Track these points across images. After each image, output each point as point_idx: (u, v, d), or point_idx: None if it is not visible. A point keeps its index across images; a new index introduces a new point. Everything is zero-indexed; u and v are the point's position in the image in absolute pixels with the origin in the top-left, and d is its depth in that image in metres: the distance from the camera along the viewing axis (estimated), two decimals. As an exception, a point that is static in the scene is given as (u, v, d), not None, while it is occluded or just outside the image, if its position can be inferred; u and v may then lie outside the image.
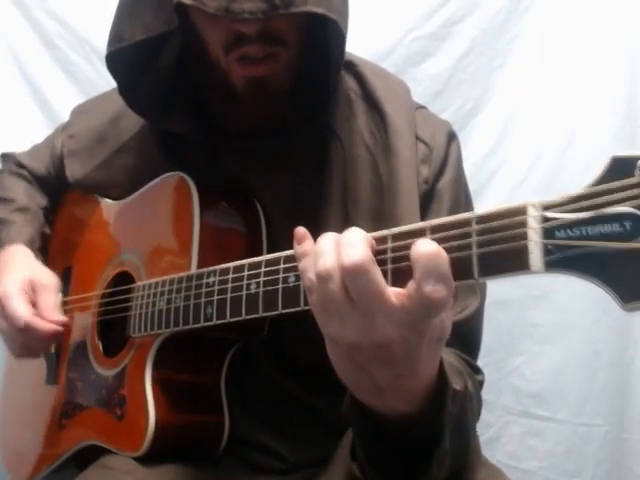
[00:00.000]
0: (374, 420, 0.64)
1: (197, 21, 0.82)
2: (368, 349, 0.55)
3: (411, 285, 0.53)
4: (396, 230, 0.58)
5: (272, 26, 0.79)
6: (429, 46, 1.52)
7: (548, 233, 0.50)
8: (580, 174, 1.49)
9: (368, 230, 0.86)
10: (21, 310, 0.92)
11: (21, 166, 1.15)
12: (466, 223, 0.54)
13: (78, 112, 1.13)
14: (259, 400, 0.92)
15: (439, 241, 0.55)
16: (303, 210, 0.90)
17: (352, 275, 0.53)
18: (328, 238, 0.56)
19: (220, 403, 0.89)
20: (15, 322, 0.91)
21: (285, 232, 0.89)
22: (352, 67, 0.94)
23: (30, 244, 1.05)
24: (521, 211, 0.51)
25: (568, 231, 0.49)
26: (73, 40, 1.53)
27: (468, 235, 0.54)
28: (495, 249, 0.52)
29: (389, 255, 0.58)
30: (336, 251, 0.55)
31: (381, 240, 0.58)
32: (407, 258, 0.54)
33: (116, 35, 0.86)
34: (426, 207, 0.88)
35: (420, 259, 0.52)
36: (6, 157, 1.19)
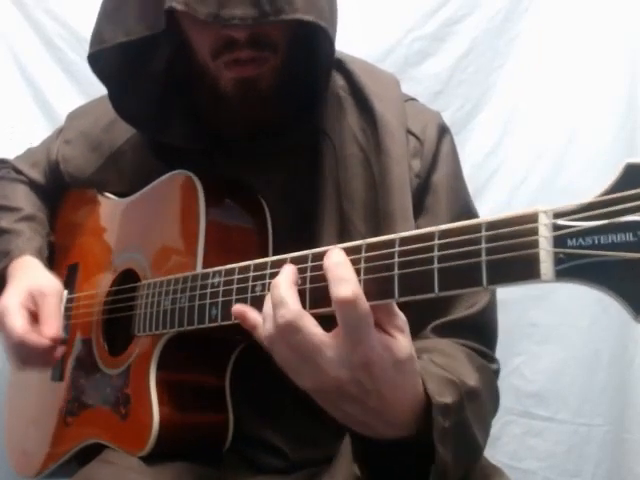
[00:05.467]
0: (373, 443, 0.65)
1: (185, 27, 0.83)
2: (329, 392, 0.61)
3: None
4: (404, 234, 0.58)
5: (262, 31, 0.79)
6: (429, 46, 1.52)
7: (559, 241, 0.48)
8: (580, 174, 1.49)
9: (364, 228, 0.86)
10: (17, 326, 0.91)
11: (19, 173, 1.15)
12: (475, 229, 0.53)
13: (73, 117, 1.13)
14: (261, 397, 0.91)
15: (447, 247, 0.54)
16: (298, 211, 0.91)
17: (288, 334, 0.59)
18: (268, 301, 0.62)
19: (225, 402, 0.89)
20: (11, 338, 0.91)
21: (282, 234, 0.89)
22: (341, 65, 0.94)
23: (39, 254, 1.04)
24: (532, 218, 0.50)
25: (580, 240, 0.47)
26: (73, 40, 1.53)
27: (477, 242, 0.52)
28: (505, 257, 0.51)
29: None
30: (273, 312, 0.60)
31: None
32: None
33: (97, 36, 0.87)
34: (421, 201, 0.88)
35: (328, 269, 0.58)
36: (2, 163, 1.17)
